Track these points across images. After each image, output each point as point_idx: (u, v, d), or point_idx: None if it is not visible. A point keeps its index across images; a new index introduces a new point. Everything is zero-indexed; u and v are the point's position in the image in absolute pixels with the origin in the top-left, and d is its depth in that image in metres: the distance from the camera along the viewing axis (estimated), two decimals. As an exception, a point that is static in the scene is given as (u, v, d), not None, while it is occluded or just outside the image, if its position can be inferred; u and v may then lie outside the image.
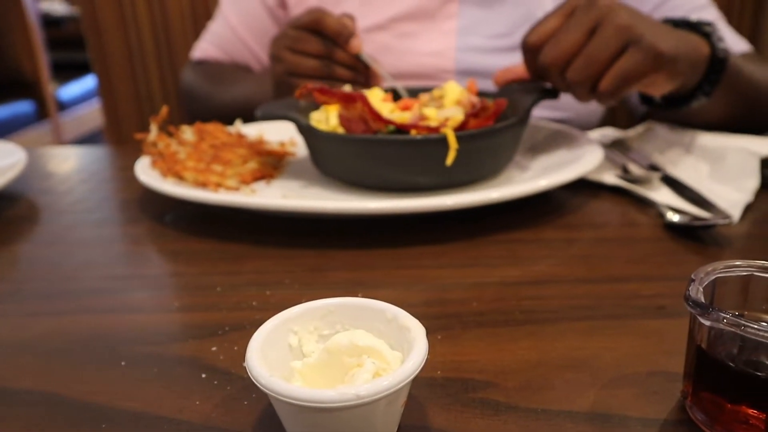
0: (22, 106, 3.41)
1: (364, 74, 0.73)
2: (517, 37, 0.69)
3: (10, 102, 3.36)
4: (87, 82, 4.06)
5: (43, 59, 3.48)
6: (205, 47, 1.01)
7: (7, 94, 3.39)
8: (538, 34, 0.61)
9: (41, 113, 3.53)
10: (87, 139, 3.98)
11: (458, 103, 0.63)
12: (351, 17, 0.73)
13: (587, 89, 0.60)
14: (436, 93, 0.66)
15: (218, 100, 0.92)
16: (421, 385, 0.36)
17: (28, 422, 0.35)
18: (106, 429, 0.34)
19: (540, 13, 0.89)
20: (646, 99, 0.72)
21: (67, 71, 3.97)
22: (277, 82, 0.78)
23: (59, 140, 3.55)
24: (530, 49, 0.62)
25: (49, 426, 0.35)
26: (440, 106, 0.63)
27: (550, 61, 0.60)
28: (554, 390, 0.36)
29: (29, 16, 3.35)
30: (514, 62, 0.89)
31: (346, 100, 0.57)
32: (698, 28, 0.67)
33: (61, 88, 3.76)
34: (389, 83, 0.73)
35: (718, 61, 0.66)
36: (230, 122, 0.76)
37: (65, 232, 0.62)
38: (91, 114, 4.04)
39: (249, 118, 0.78)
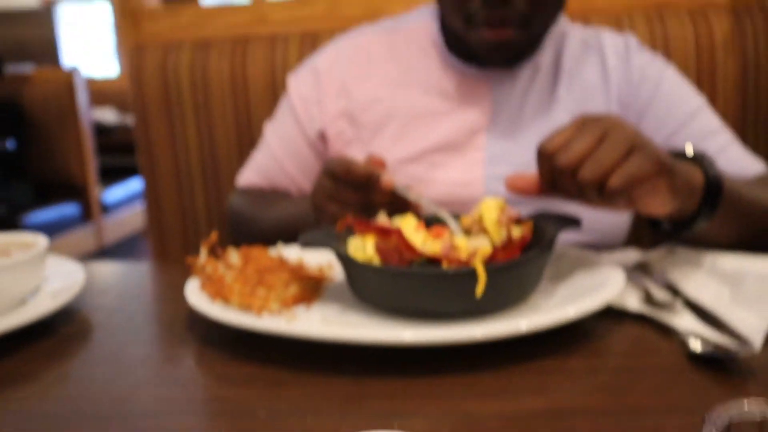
0: (69, 209, 3.58)
1: (402, 204, 0.77)
2: None
3: (58, 204, 3.53)
4: (130, 186, 4.25)
5: (92, 165, 3.67)
6: (249, 176, 1.09)
7: (55, 196, 3.57)
8: (553, 142, 0.68)
9: (86, 215, 3.69)
10: (127, 241, 4.12)
11: (498, 222, 0.68)
12: (377, 157, 0.78)
13: (596, 189, 0.66)
14: (475, 216, 0.71)
15: (261, 223, 0.98)
16: None
17: None
18: None
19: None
20: (653, 223, 0.77)
21: (111, 174, 4.17)
22: (321, 221, 0.83)
23: (101, 242, 3.68)
24: (545, 156, 0.68)
25: None
26: (481, 229, 0.69)
27: (563, 164, 0.65)
28: None
29: (83, 125, 3.57)
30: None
31: (383, 233, 0.62)
32: (691, 158, 0.74)
33: (106, 191, 3.94)
34: (430, 209, 0.77)
35: (712, 186, 0.71)
36: (273, 243, 0.81)
37: (117, 350, 0.67)
38: (133, 217, 4.20)
39: (290, 238, 0.82)
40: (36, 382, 0.61)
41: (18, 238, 0.80)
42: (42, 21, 3.71)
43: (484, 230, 0.69)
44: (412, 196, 0.76)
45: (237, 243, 0.81)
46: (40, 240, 0.77)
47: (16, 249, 0.76)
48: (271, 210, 1.00)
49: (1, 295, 0.70)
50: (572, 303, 0.63)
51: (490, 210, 0.69)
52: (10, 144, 3.34)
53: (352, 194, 0.76)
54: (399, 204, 0.77)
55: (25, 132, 3.51)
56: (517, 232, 0.69)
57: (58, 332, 0.71)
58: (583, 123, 0.68)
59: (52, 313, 0.71)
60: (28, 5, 5.63)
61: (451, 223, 0.73)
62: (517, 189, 0.72)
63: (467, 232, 0.72)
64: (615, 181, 0.64)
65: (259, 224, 0.99)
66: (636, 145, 0.65)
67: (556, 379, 0.56)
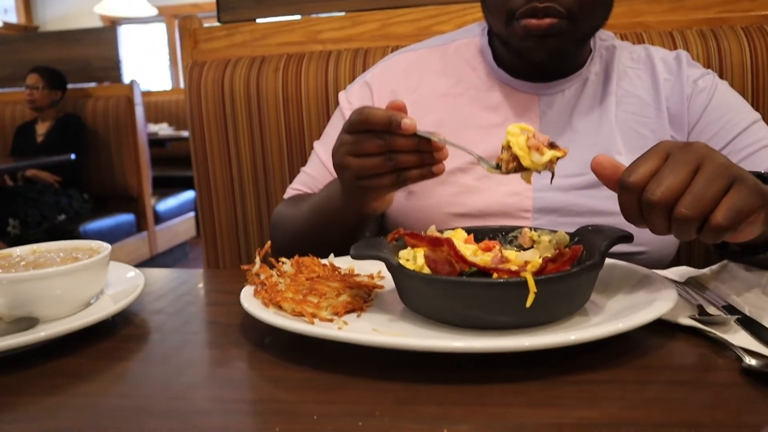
0: (125, 218, 3.71)
1: (427, 150, 0.75)
2: (591, 176, 0.73)
3: (115, 214, 3.66)
4: (182, 197, 4.39)
5: (148, 177, 3.80)
6: (295, 187, 1.11)
7: (112, 207, 3.71)
8: (639, 174, 0.63)
9: (140, 225, 3.81)
10: (176, 249, 4.24)
11: (527, 146, 0.68)
12: (397, 102, 0.75)
13: (696, 226, 0.62)
14: (504, 144, 0.72)
15: (296, 218, 0.99)
16: None
17: None
18: None
19: (614, 152, 0.95)
20: (718, 246, 0.75)
21: (164, 186, 4.31)
22: (347, 189, 0.83)
23: (153, 249, 3.80)
24: (631, 188, 0.63)
25: None
26: (512, 157, 0.69)
27: (657, 199, 0.61)
28: None
29: (141, 139, 3.70)
30: (588, 199, 0.94)
31: (434, 244, 0.63)
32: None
33: (159, 203, 4.07)
34: (453, 147, 0.76)
35: None
36: (308, 234, 0.82)
37: (174, 352, 0.69)
38: (182, 225, 4.33)
39: (322, 225, 0.83)
40: (99, 379, 0.64)
41: (83, 245, 0.84)
42: (105, 41, 3.87)
43: (516, 158, 0.68)
44: (435, 139, 0.74)
45: (277, 245, 0.82)
46: (104, 247, 0.81)
47: (82, 255, 0.80)
48: (305, 203, 1.00)
49: (68, 297, 0.74)
50: (623, 316, 0.63)
51: (515, 135, 0.69)
52: (71, 157, 3.48)
53: (373, 143, 0.74)
54: (425, 157, 0.75)
55: (85, 145, 3.66)
56: (553, 155, 0.67)
57: (118, 333, 0.75)
58: (669, 152, 0.63)
59: (114, 314, 0.74)
60: (93, 26, 5.90)
61: (482, 163, 0.73)
62: (600, 167, 0.68)
63: (500, 169, 0.72)
64: (721, 217, 0.60)
65: (294, 220, 1.00)
66: (736, 176, 0.61)
67: (607, 391, 0.56)
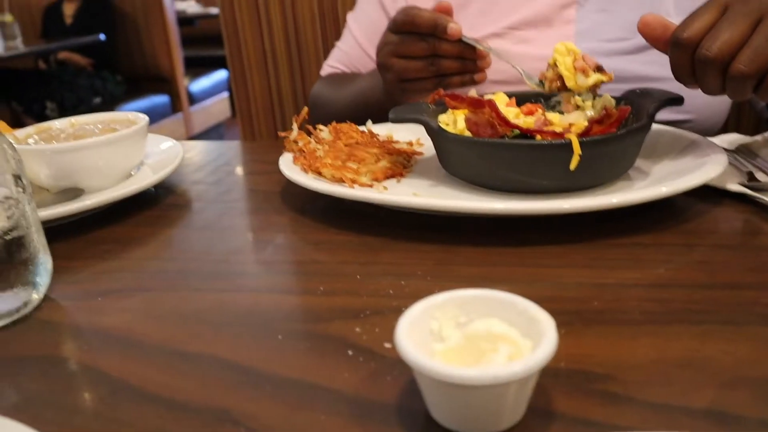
0: (159, 99, 3.71)
1: (470, 57, 0.74)
2: (636, 40, 0.69)
3: (149, 95, 3.66)
4: (214, 77, 4.34)
5: (179, 56, 3.75)
6: (331, 64, 1.08)
7: (146, 89, 3.71)
8: (694, 29, 0.59)
9: (175, 106, 3.82)
10: (212, 130, 4.26)
11: (573, 67, 0.66)
12: (444, 4, 0.74)
13: (752, 84, 0.58)
14: (550, 62, 0.69)
15: (337, 102, 0.98)
16: (545, 374, 0.39)
17: (204, 381, 0.42)
18: (269, 391, 0.40)
19: (663, 14, 0.89)
20: None
21: (196, 67, 4.26)
22: (389, 90, 0.82)
23: (189, 131, 3.82)
24: (684, 45, 0.60)
25: (219, 385, 0.41)
26: (557, 75, 0.67)
27: (714, 54, 0.57)
28: (672, 386, 0.38)
29: (168, 16, 3.62)
30: (632, 65, 0.90)
31: (475, 105, 0.61)
32: None
33: (192, 83, 4.04)
34: (497, 58, 0.74)
35: None
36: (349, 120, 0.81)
37: (216, 219, 0.70)
38: (217, 106, 4.32)
39: (363, 112, 0.82)
40: (145, 245, 0.65)
41: (120, 116, 0.84)
42: None
43: (560, 77, 0.67)
44: (480, 47, 0.73)
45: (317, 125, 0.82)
46: (141, 117, 0.81)
47: (120, 126, 0.80)
48: (346, 88, 0.99)
49: (110, 167, 0.75)
50: (668, 181, 0.61)
51: (562, 54, 0.67)
52: (101, 37, 3.44)
53: (418, 46, 0.73)
54: (467, 64, 0.74)
55: (114, 25, 3.60)
56: (598, 78, 0.66)
57: (161, 203, 0.76)
58: (727, 4, 0.59)
59: (156, 184, 0.75)
60: None
61: (526, 78, 0.72)
62: (648, 28, 0.64)
63: (543, 86, 0.71)
64: None
65: (335, 104, 0.99)
66: None
67: (650, 253, 0.56)
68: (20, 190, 0.51)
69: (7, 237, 0.50)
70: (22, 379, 0.44)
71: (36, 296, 0.53)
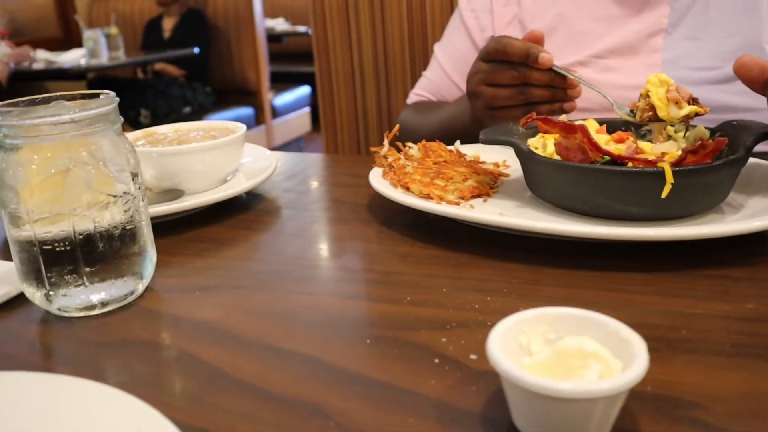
0: (244, 111, 3.85)
1: (560, 86, 0.75)
2: (726, 69, 0.67)
3: (235, 107, 3.81)
4: (297, 93, 4.47)
5: (266, 71, 3.89)
6: (418, 92, 1.11)
7: (233, 101, 3.86)
8: None
9: (258, 118, 3.95)
10: (292, 143, 4.38)
11: (666, 98, 0.66)
12: (536, 33, 0.75)
13: None
14: (642, 92, 0.69)
15: (424, 128, 1.01)
16: (631, 396, 0.40)
17: (296, 376, 0.44)
18: (358, 391, 0.42)
19: (757, 47, 0.87)
20: None
21: (280, 82, 4.41)
22: (478, 117, 0.83)
23: (270, 143, 3.94)
24: None
25: (311, 382, 0.43)
26: (648, 106, 0.67)
27: None
28: (764, 420, 0.38)
29: (259, 33, 3.76)
30: (721, 94, 0.88)
31: (568, 130, 0.62)
32: None
33: (276, 97, 4.18)
34: (587, 86, 0.75)
35: None
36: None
37: (306, 226, 0.73)
38: (298, 120, 4.45)
39: (449, 139, 0.84)
40: (240, 246, 0.69)
41: (219, 125, 0.89)
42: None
43: (652, 107, 0.67)
44: (570, 76, 0.74)
45: None
46: (239, 126, 0.85)
47: (219, 134, 0.85)
48: (432, 115, 1.02)
49: (209, 171, 0.79)
50: (762, 215, 0.60)
51: (655, 85, 0.66)
52: (195, 50, 3.61)
53: (508, 74, 0.74)
54: (557, 93, 0.75)
55: (208, 39, 3.77)
56: (691, 110, 0.65)
57: (254, 208, 0.80)
58: None
59: (250, 189, 0.79)
60: None
61: (616, 107, 0.72)
62: (745, 69, 0.62)
63: (634, 116, 0.70)
64: None
65: (421, 129, 1.02)
66: None
67: (741, 287, 0.55)
68: (137, 187, 0.55)
69: (124, 230, 0.54)
70: (130, 361, 0.48)
71: (141, 286, 0.57)
